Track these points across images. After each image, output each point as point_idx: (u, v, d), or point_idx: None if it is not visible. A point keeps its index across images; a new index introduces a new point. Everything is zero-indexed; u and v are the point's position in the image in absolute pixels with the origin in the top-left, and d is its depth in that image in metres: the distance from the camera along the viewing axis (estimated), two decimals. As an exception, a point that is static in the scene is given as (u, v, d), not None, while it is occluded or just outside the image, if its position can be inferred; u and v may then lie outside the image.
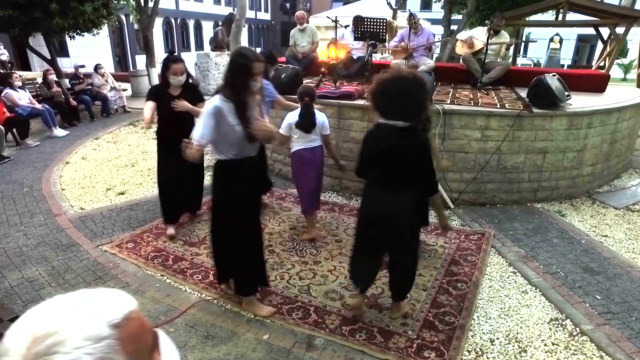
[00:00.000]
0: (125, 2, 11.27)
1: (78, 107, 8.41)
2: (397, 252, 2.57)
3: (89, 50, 16.32)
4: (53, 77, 8.26)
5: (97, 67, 9.01)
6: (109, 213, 4.30)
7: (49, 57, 9.80)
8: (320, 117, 3.53)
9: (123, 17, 18.38)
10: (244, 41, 31.10)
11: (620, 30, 8.30)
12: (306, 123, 3.42)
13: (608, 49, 8.62)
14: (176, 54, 3.55)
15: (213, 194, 2.70)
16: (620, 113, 4.91)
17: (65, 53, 16.38)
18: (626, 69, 19.59)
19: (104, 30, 11.24)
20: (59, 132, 7.43)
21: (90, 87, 8.83)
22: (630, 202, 4.78)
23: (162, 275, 3.24)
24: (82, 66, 9.16)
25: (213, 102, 2.43)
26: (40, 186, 5.03)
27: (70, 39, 9.67)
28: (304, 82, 5.15)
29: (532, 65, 18.80)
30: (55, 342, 0.52)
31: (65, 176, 5.42)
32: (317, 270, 3.30)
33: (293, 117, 3.48)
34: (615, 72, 19.49)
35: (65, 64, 14.20)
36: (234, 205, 2.63)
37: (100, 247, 3.64)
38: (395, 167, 2.37)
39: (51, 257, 3.48)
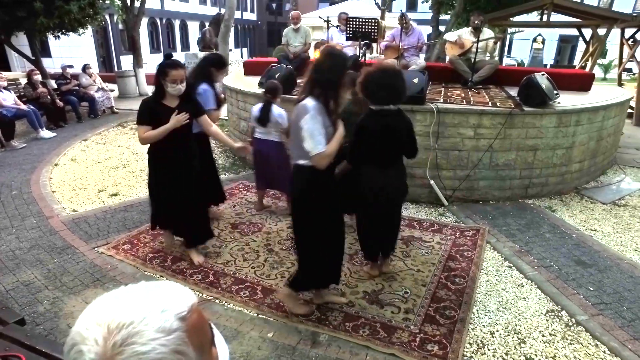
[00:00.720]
0: (110, 2, 11.10)
1: (65, 108, 8.26)
2: (394, 218, 3.06)
3: (72, 51, 15.99)
4: (38, 77, 8.09)
5: (85, 67, 8.86)
6: (103, 215, 4.25)
7: (32, 57, 9.59)
8: (277, 112, 3.92)
9: (107, 17, 18.06)
10: (230, 41, 30.93)
11: (601, 31, 8.54)
12: (263, 117, 3.92)
13: (591, 49, 8.86)
14: (174, 57, 3.07)
15: (303, 204, 2.47)
16: (606, 111, 5.06)
17: (47, 53, 16.01)
18: (606, 68, 20.10)
19: (89, 30, 11.04)
20: (45, 133, 7.28)
21: (77, 87, 8.68)
22: (616, 197, 4.93)
23: (161, 276, 3.22)
24: (70, 66, 9.00)
25: (308, 104, 2.26)
26: (30, 188, 4.94)
27: (56, 39, 9.47)
28: (297, 82, 5.17)
29: (516, 65, 19.13)
30: (131, 333, 0.53)
31: (55, 178, 5.33)
32: (318, 268, 3.32)
33: (255, 110, 3.98)
34: (596, 72, 20.02)
35: (48, 64, 13.87)
36: (326, 211, 2.48)
37: (96, 249, 3.59)
38: (390, 145, 2.80)
39: (46, 260, 3.43)
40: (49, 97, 7.92)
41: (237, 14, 32.13)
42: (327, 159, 2.27)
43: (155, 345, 0.53)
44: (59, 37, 9.25)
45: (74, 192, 4.88)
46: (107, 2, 10.76)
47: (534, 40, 22.55)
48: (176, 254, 3.51)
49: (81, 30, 9.33)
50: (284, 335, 2.58)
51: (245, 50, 34.16)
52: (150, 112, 2.95)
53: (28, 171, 5.54)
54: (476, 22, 5.75)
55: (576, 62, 12.86)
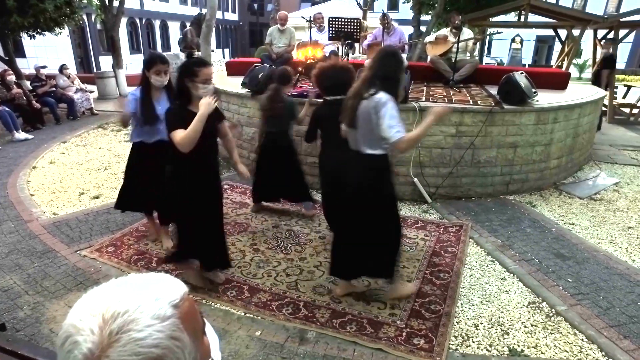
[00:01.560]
0: (88, 1, 10.87)
1: (42, 110, 8.05)
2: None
3: (48, 51, 15.60)
4: (12, 78, 7.86)
5: (62, 68, 8.66)
6: (85, 217, 4.17)
7: (4, 57, 9.32)
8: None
9: (85, 17, 17.68)
10: (212, 42, 30.64)
11: (576, 32, 8.80)
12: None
13: (566, 49, 9.11)
14: (195, 55, 3.17)
15: (377, 192, 2.64)
16: (581, 109, 5.21)
17: (21, 53, 15.56)
18: (581, 68, 20.68)
19: (65, 30, 10.78)
20: (21, 135, 7.09)
21: (54, 88, 8.47)
22: (593, 192, 5.08)
23: (146, 278, 3.17)
24: (44, 67, 8.77)
25: (384, 97, 2.45)
26: (7, 192, 4.81)
27: (30, 39, 9.22)
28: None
29: (496, 64, 19.54)
30: (127, 321, 0.53)
31: (34, 181, 5.20)
32: (304, 266, 3.33)
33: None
34: (572, 71, 20.58)
35: (22, 65, 13.49)
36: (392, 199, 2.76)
37: (78, 252, 3.52)
38: (339, 129, 2.92)
39: (26, 264, 3.34)
40: (24, 98, 7.71)
41: (219, 14, 31.86)
42: (409, 143, 2.45)
43: (151, 332, 0.54)
44: (34, 36, 9.01)
45: (53, 195, 4.77)
46: (85, 1, 10.55)
47: (513, 40, 23.09)
48: (161, 255, 3.47)
49: (57, 30, 9.11)
50: (271, 334, 2.59)
51: (227, 50, 33.89)
52: (183, 121, 2.49)
53: (4, 174, 5.39)
54: (456, 22, 5.86)
55: (553, 62, 13.19)
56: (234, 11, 36.04)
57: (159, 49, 24.39)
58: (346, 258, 2.83)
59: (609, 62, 8.43)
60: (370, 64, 2.59)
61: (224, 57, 29.51)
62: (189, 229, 2.88)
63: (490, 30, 9.96)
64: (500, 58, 24.58)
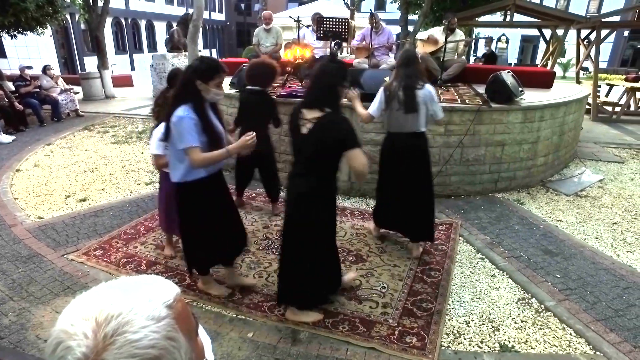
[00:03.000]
0: (71, 1, 10.68)
1: (25, 112, 7.89)
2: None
3: (30, 51, 15.31)
4: (-6, 79, 7.72)
5: (45, 68, 8.50)
6: (72, 221, 4.09)
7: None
8: None
9: (68, 17, 17.38)
10: (199, 42, 30.37)
11: (560, 31, 8.95)
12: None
13: (551, 48, 9.26)
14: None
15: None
16: (566, 107, 5.30)
17: (1, 53, 15.28)
18: (565, 67, 21.04)
19: (48, 30, 10.58)
20: (3, 137, 6.94)
21: (38, 89, 8.31)
22: (578, 188, 5.17)
23: (135, 281, 3.13)
24: (29, 67, 8.60)
25: (430, 88, 3.18)
26: (-10, 196, 4.70)
27: (12, 38, 9.02)
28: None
29: (481, 64, 19.73)
30: (121, 323, 0.52)
31: (17, 185, 5.09)
32: (296, 266, 3.32)
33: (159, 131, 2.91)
34: (556, 70, 20.92)
35: (3, 66, 13.22)
36: None
37: (65, 256, 3.46)
38: (258, 114, 3.72)
39: (10, 270, 3.27)
40: (6, 99, 7.55)
41: (205, 14, 31.60)
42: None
43: (147, 333, 0.53)
44: (15, 36, 8.82)
45: (38, 198, 4.67)
46: (68, 0, 10.36)
47: (498, 40, 23.35)
48: (150, 258, 3.43)
49: (40, 30, 8.92)
50: (264, 335, 2.57)
51: (214, 51, 33.67)
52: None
53: (-13, 178, 5.27)
54: (453, 24, 5.91)
55: (538, 61, 13.39)
56: (220, 11, 35.82)
57: (145, 49, 24.12)
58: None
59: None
60: (406, 63, 3.19)
61: (211, 57, 29.26)
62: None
63: (477, 31, 10.07)
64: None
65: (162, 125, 2.60)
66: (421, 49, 6.11)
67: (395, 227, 3.65)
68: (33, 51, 15.15)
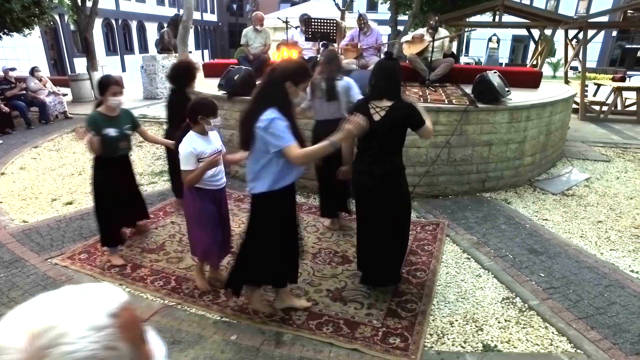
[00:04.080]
0: (59, 1, 10.59)
1: (11, 114, 7.80)
2: None
3: (18, 52, 15.13)
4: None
5: (33, 70, 8.40)
6: (57, 224, 4.06)
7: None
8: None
9: (57, 18, 17.24)
10: (191, 43, 30.25)
11: (548, 32, 9.03)
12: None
13: (539, 48, 9.34)
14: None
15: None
16: (553, 107, 5.35)
17: (-12, 55, 15.10)
18: (555, 67, 21.23)
19: (36, 31, 10.47)
20: (-10, 141, 6.87)
21: (24, 92, 8.22)
22: (565, 187, 5.22)
23: (120, 284, 3.11)
24: (12, 69, 8.50)
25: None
26: (-26, 200, 4.64)
27: (-2, 40, 8.93)
28: (256, 83, 5.13)
29: (473, 64, 19.87)
30: (58, 335, 0.51)
31: (2, 188, 5.03)
32: (282, 268, 3.32)
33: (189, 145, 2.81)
34: (546, 70, 21.11)
35: (-11, 67, 13.04)
36: None
37: (49, 260, 3.43)
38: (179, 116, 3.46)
39: (-8, 275, 3.23)
40: (-8, 102, 7.46)
41: (197, 15, 31.52)
42: None
43: (85, 343, 0.52)
44: (0, 37, 8.72)
45: (23, 202, 4.63)
46: (56, 1, 10.26)
47: (490, 40, 23.52)
48: (136, 261, 3.41)
49: (26, 31, 8.82)
50: (247, 337, 2.57)
51: (206, 52, 33.55)
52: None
53: (-28, 181, 5.21)
54: (431, 22, 5.94)
55: (529, 61, 13.49)
56: (212, 12, 35.71)
57: (137, 50, 23.97)
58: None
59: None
60: (329, 61, 3.59)
61: (203, 58, 29.22)
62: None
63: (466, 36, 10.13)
64: (478, 57, 25.02)
65: (193, 138, 2.73)
66: (407, 51, 6.13)
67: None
68: (21, 52, 15.00)
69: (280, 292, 2.79)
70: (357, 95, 3.53)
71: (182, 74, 3.93)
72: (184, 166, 2.71)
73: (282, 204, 2.48)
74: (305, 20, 5.74)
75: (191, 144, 2.71)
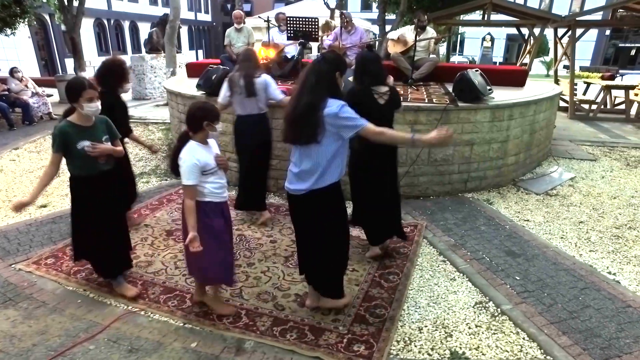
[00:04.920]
0: (47, 1, 10.47)
1: (-7, 115, 7.71)
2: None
3: (7, 53, 15.00)
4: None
5: (12, 71, 8.28)
6: (27, 228, 3.96)
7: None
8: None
9: (48, 17, 17.10)
10: (184, 43, 30.12)
11: (537, 30, 8.98)
12: None
13: (529, 47, 9.28)
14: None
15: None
16: (537, 105, 5.28)
17: (-26, 55, 14.97)
18: (548, 66, 21.19)
19: (25, 31, 10.35)
20: (-29, 142, 6.76)
21: (6, 92, 8.11)
22: (549, 187, 5.15)
23: (85, 290, 3.03)
24: (-5, 70, 8.41)
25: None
26: (-55, 203, 4.55)
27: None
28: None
29: (467, 63, 19.81)
30: None
31: (-23, 191, 4.94)
32: (250, 272, 3.24)
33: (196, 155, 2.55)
34: (539, 68, 21.08)
35: (-26, 68, 12.93)
36: None
37: (13, 265, 3.34)
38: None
39: (-49, 281, 3.14)
40: (-27, 103, 7.36)
41: (191, 15, 31.41)
42: None
43: None
44: (-19, 37, 8.61)
45: (-4, 205, 4.53)
46: (44, 0, 10.14)
47: (483, 39, 23.47)
48: (102, 266, 3.32)
49: (9, 31, 8.70)
50: (208, 345, 2.49)
51: (200, 52, 33.42)
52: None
53: (-54, 184, 5.11)
54: (422, 21, 5.85)
55: (519, 60, 13.44)
56: (206, 12, 35.57)
57: (129, 50, 23.83)
58: None
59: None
60: (247, 59, 3.78)
61: (197, 58, 29.08)
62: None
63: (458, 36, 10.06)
64: (472, 56, 24.98)
65: (195, 148, 2.44)
66: (392, 49, 6.05)
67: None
68: (9, 52, 14.85)
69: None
70: (274, 91, 3.75)
71: (108, 74, 3.49)
72: (186, 181, 2.40)
73: (336, 196, 2.52)
74: (286, 19, 5.65)
75: (195, 155, 2.41)
